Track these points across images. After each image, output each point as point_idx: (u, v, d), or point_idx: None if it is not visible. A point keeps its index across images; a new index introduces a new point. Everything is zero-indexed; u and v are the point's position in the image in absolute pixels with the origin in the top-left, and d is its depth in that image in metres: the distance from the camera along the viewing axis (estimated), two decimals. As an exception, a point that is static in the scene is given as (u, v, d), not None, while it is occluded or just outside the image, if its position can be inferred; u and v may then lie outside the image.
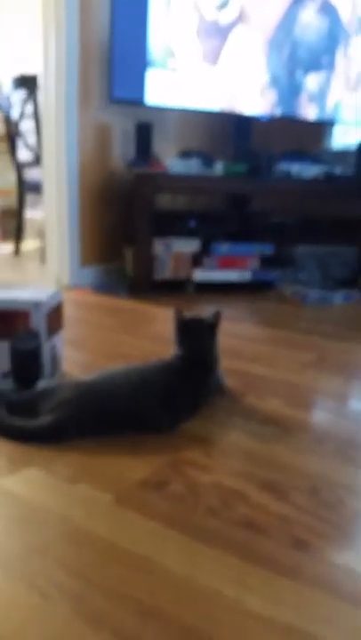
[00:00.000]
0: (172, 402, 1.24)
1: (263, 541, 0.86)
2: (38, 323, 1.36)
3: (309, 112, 3.08)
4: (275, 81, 2.93)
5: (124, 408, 1.19)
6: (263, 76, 2.89)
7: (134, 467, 1.07)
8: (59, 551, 0.82)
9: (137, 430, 1.20)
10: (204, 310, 1.45)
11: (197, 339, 1.36)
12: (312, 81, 3.03)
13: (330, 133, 3.58)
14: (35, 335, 1.36)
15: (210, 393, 1.36)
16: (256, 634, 0.68)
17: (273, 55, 2.88)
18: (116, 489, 0.99)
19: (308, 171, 2.90)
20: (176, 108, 2.77)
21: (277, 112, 2.99)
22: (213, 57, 2.75)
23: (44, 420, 1.16)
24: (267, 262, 2.90)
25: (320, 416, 1.35)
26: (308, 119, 3.10)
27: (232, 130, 3.03)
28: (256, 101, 2.92)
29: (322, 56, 3.03)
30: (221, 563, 0.81)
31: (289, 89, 2.98)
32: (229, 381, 1.50)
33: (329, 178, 2.91)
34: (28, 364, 1.37)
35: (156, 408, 1.21)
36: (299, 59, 2.96)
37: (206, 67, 2.74)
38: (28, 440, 1.14)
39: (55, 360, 1.46)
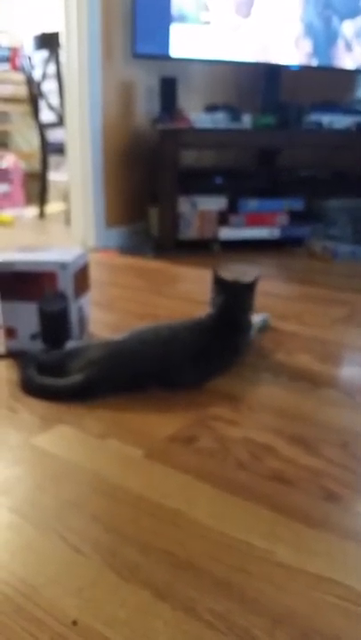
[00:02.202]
0: (200, 359, 1.23)
1: (293, 494, 0.86)
2: (65, 284, 1.36)
3: (345, 61, 2.95)
4: (309, 29, 2.80)
5: (152, 365, 1.20)
6: (297, 25, 2.77)
7: (163, 422, 1.07)
8: (91, 505, 0.83)
9: (166, 387, 1.20)
10: (238, 269, 1.43)
11: (233, 299, 1.34)
12: (348, 28, 2.88)
13: (361, 82, 3.44)
14: (62, 296, 1.37)
15: (240, 353, 1.35)
16: (287, 584, 0.69)
17: (308, 3, 2.75)
18: (146, 444, 0.99)
19: (340, 122, 2.80)
20: (203, 60, 2.68)
21: (312, 61, 2.86)
22: (246, 9, 2.64)
23: (74, 378, 1.17)
24: (296, 218, 2.84)
25: (350, 371, 1.33)
26: (343, 68, 2.96)
27: (260, 81, 2.93)
28: (289, 51, 2.81)
29: (359, 1, 2.87)
30: (252, 515, 0.81)
31: (324, 37, 2.85)
32: (258, 338, 1.49)
33: (361, 128, 2.81)
34: (55, 325, 1.38)
35: (185, 364, 1.21)
36: (334, 5, 2.82)
37: (239, 19, 2.64)
38: (59, 398, 1.16)
39: (83, 321, 1.47)
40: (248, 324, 1.38)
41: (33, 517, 0.80)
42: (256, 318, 1.47)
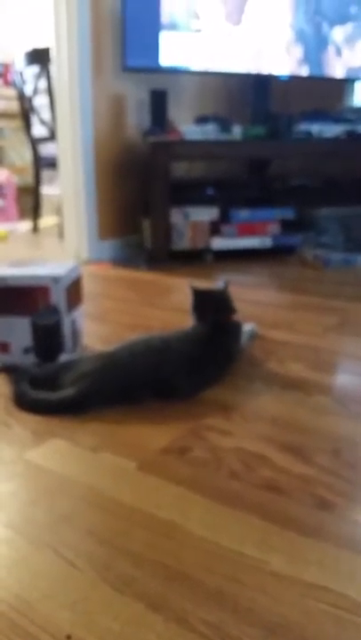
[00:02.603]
0: (193, 367, 1.24)
1: (286, 502, 0.86)
2: (58, 297, 1.36)
3: (335, 69, 2.98)
4: (299, 36, 2.83)
5: (145, 375, 1.20)
6: (288, 32, 2.80)
7: (156, 434, 1.07)
8: (84, 519, 0.83)
9: (159, 398, 1.20)
10: (218, 279, 1.45)
11: (211, 305, 1.36)
12: (338, 34, 2.91)
13: (351, 91, 3.48)
14: (55, 310, 1.37)
15: (232, 359, 1.36)
16: (280, 594, 0.69)
17: (298, 9, 2.78)
18: (139, 456, 1.00)
19: (330, 130, 2.83)
20: (193, 71, 2.71)
21: (302, 70, 2.89)
22: (237, 16, 2.67)
23: (67, 392, 1.17)
24: (288, 227, 2.85)
25: (342, 379, 1.34)
26: (332, 76, 2.99)
27: (250, 92, 2.96)
28: (280, 60, 2.84)
29: (349, 7, 2.90)
30: (245, 524, 0.82)
31: (314, 44, 2.88)
32: (250, 348, 1.50)
33: (351, 137, 2.83)
34: (48, 338, 1.39)
35: (178, 374, 1.22)
36: (324, 12, 2.85)
37: (229, 26, 2.67)
38: (52, 412, 1.16)
39: (76, 334, 1.47)
40: (236, 328, 1.39)
41: (27, 532, 0.80)
42: (243, 328, 1.49)
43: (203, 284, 1.43)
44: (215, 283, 1.44)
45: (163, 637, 0.62)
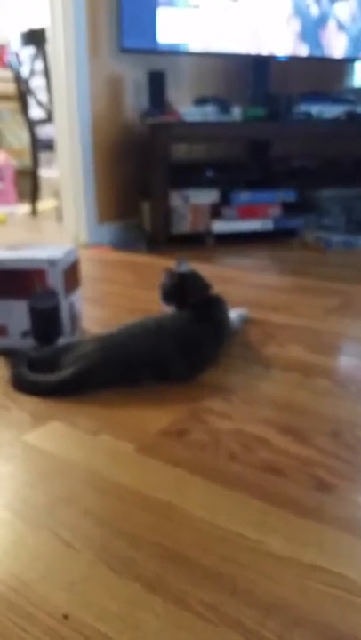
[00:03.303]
0: (189, 346, 1.23)
1: (285, 484, 0.86)
2: (55, 280, 1.35)
3: (334, 49, 2.93)
4: (298, 12, 2.78)
5: (142, 356, 1.19)
6: (287, 8, 2.75)
7: (155, 417, 1.07)
8: (83, 501, 0.83)
9: (157, 379, 1.20)
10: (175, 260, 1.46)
11: (192, 289, 1.38)
12: (340, 10, 2.86)
13: (351, 71, 3.43)
14: (52, 293, 1.36)
15: (226, 332, 1.35)
16: (279, 574, 0.69)
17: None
18: (137, 438, 0.99)
19: (330, 111, 2.79)
20: (191, 52, 2.67)
21: (301, 49, 2.85)
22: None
23: (66, 372, 1.17)
24: (289, 209, 2.83)
25: (342, 361, 1.33)
26: (332, 57, 2.95)
27: (249, 73, 2.92)
28: (278, 41, 2.80)
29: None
30: (243, 506, 0.81)
31: (314, 21, 2.83)
32: (250, 331, 1.49)
33: (351, 117, 2.80)
34: (46, 322, 1.38)
35: (173, 354, 1.21)
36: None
37: (228, 2, 2.62)
38: (51, 393, 1.16)
39: (74, 317, 1.46)
40: (220, 300, 1.38)
41: (25, 514, 0.80)
42: (233, 314, 1.49)
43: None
44: (177, 265, 1.43)
45: (161, 618, 0.62)
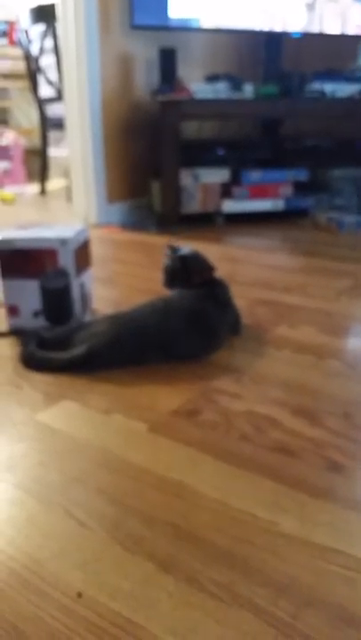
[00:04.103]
0: (197, 323, 1.22)
1: (297, 464, 0.86)
2: (66, 260, 1.35)
3: (348, 27, 2.87)
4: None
5: (153, 334, 1.19)
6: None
7: (167, 396, 1.07)
8: (96, 480, 0.83)
9: (168, 358, 1.20)
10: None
11: (196, 269, 1.35)
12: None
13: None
14: (63, 273, 1.36)
15: (231, 309, 1.34)
16: (291, 555, 0.69)
17: None
18: (149, 418, 1.00)
19: (343, 90, 2.74)
20: (203, 29, 2.62)
21: (315, 27, 2.79)
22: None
23: (78, 349, 1.18)
24: (301, 189, 2.80)
25: (354, 342, 1.32)
26: (345, 34, 2.88)
27: (261, 50, 2.87)
28: (291, 17, 2.74)
29: None
30: (255, 486, 0.81)
31: (328, 2, 2.77)
32: (261, 312, 1.48)
33: (364, 96, 2.74)
34: (58, 302, 1.37)
35: (184, 331, 1.21)
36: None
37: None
38: (62, 370, 1.16)
39: (85, 298, 1.46)
40: (223, 282, 1.36)
41: (38, 493, 0.81)
42: None
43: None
44: (172, 251, 1.40)
45: (173, 597, 0.63)
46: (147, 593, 0.63)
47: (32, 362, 1.20)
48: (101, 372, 1.16)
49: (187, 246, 1.41)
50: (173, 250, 1.39)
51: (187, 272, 1.34)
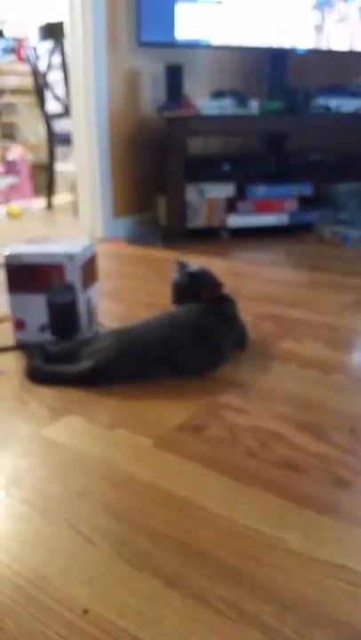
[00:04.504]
0: (203, 339, 1.23)
1: (303, 480, 0.86)
2: (73, 275, 1.36)
3: (353, 43, 2.90)
4: (319, 9, 2.76)
5: (158, 350, 1.19)
6: (307, 5, 2.73)
7: (172, 411, 1.07)
8: (101, 495, 0.83)
9: (173, 373, 1.20)
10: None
11: (206, 286, 1.36)
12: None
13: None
14: (70, 288, 1.37)
15: (238, 326, 1.35)
16: (297, 571, 0.69)
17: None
18: (155, 433, 1.00)
19: (348, 105, 2.76)
20: (209, 45, 2.65)
21: (320, 44, 2.82)
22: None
23: (84, 364, 1.18)
24: (305, 203, 2.81)
25: (359, 357, 1.32)
26: (351, 50, 2.91)
27: (267, 66, 2.89)
28: (296, 34, 2.77)
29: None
30: (261, 502, 0.81)
31: (333, 18, 2.80)
32: (266, 326, 1.48)
33: (369, 111, 2.76)
34: (64, 316, 1.38)
35: (189, 346, 1.21)
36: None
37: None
38: (67, 383, 1.17)
39: (91, 312, 1.47)
40: (231, 298, 1.36)
41: (43, 507, 0.81)
42: None
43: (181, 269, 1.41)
44: (180, 268, 1.41)
45: (180, 613, 0.62)
46: (153, 609, 0.63)
47: (38, 375, 1.21)
48: (107, 387, 1.17)
49: (195, 263, 1.42)
50: (182, 266, 1.40)
51: (196, 288, 1.34)
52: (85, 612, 0.63)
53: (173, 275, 1.40)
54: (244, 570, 0.69)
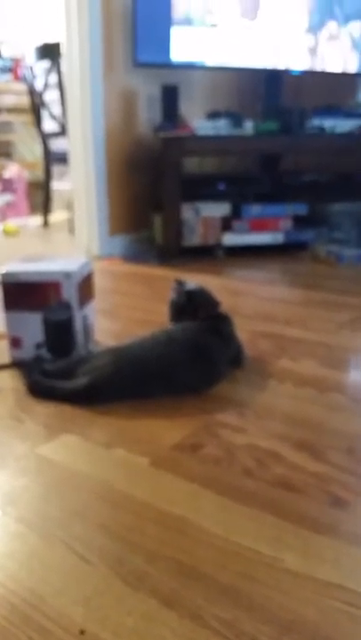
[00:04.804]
0: (199, 357, 1.23)
1: (300, 500, 0.86)
2: (69, 293, 1.36)
3: (347, 64, 2.95)
4: (313, 32, 2.81)
5: (154, 368, 1.20)
6: (302, 26, 2.78)
7: (169, 430, 1.07)
8: (97, 514, 0.83)
9: (169, 392, 1.20)
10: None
11: (203, 304, 1.38)
12: (354, 29, 2.89)
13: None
14: (66, 306, 1.37)
15: (234, 344, 1.35)
16: (295, 591, 0.68)
17: (314, 3, 2.77)
18: (151, 452, 0.99)
19: (343, 125, 2.80)
20: (205, 66, 2.69)
21: (314, 65, 2.87)
22: (252, 12, 2.66)
23: (80, 381, 1.18)
24: (300, 222, 2.83)
25: (356, 376, 1.33)
26: (345, 71, 2.96)
27: (261, 87, 2.94)
28: (291, 55, 2.82)
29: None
30: (259, 522, 0.81)
31: (327, 41, 2.86)
32: (263, 344, 1.49)
33: (364, 131, 2.80)
34: (60, 334, 1.38)
35: (185, 364, 1.21)
36: (340, 5, 2.82)
37: (245, 22, 2.66)
38: (65, 400, 1.17)
39: (87, 330, 1.47)
40: (228, 317, 1.38)
41: (39, 527, 0.80)
42: None
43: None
44: (178, 286, 1.42)
45: (177, 633, 0.62)
46: (150, 629, 0.62)
47: (39, 389, 1.21)
48: (102, 405, 1.17)
49: (193, 281, 1.43)
50: (180, 284, 1.41)
51: (193, 307, 1.35)
52: (82, 632, 0.62)
53: (171, 294, 1.41)
54: (242, 589, 0.69)
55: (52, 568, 0.72)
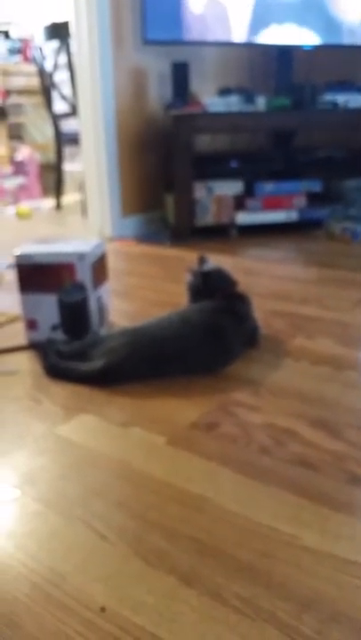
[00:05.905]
0: (214, 337, 1.23)
1: (317, 478, 0.86)
2: (83, 274, 1.36)
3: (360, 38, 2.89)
4: (323, 4, 2.75)
5: (170, 348, 1.20)
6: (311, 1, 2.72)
7: (185, 409, 1.07)
8: (116, 493, 0.84)
9: (185, 371, 1.20)
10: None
11: (221, 284, 1.38)
12: None
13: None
14: (81, 287, 1.37)
15: (251, 324, 1.35)
16: (314, 568, 0.69)
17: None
18: (168, 431, 1.00)
19: (356, 100, 2.75)
20: (215, 42, 2.65)
21: (327, 39, 2.81)
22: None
23: (96, 363, 1.19)
24: (314, 199, 2.80)
25: (373, 353, 1.32)
26: (357, 45, 2.89)
27: (273, 63, 2.89)
28: (302, 30, 2.76)
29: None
30: (276, 500, 0.81)
31: (339, 14, 2.79)
32: (278, 323, 1.48)
33: (377, 107, 2.74)
34: (75, 315, 1.39)
35: (200, 344, 1.21)
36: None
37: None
38: (82, 381, 1.18)
39: (102, 311, 1.47)
40: (246, 297, 1.37)
41: (58, 506, 0.81)
42: None
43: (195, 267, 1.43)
44: (200, 264, 1.42)
45: (196, 611, 0.63)
46: (170, 607, 0.63)
47: (55, 371, 1.22)
48: (119, 385, 1.17)
49: (211, 261, 1.42)
50: (203, 261, 1.40)
51: (209, 288, 1.35)
52: (103, 609, 0.63)
53: (186, 276, 1.40)
54: (260, 567, 0.69)
55: (71, 547, 0.73)
